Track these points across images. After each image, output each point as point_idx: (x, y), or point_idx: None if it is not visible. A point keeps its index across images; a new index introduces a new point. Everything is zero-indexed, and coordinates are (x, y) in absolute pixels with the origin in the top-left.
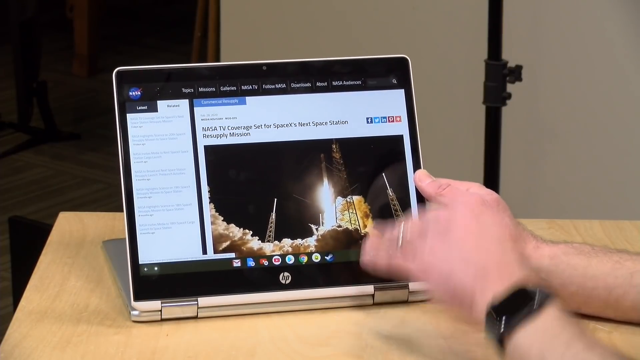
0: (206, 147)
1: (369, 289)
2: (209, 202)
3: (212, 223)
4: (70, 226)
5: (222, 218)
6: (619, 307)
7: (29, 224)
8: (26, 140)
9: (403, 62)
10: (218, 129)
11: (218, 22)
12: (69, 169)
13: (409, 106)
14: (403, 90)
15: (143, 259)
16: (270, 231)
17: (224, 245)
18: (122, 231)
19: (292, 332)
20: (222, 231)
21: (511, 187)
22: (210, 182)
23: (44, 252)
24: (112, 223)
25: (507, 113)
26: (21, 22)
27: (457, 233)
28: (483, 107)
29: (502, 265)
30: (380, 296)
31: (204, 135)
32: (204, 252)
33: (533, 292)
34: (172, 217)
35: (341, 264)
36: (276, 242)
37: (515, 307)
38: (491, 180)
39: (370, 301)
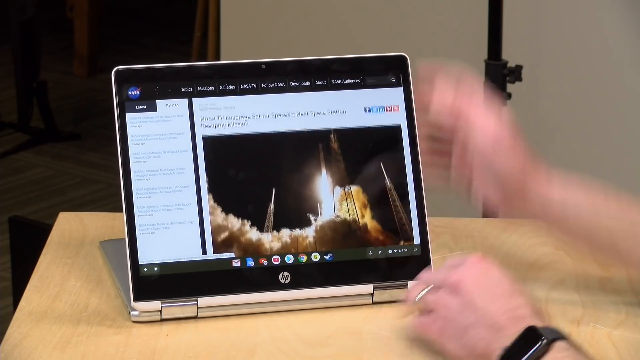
0: (204, 138)
1: (368, 288)
2: (208, 193)
3: (211, 214)
4: (70, 226)
5: (221, 208)
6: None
7: (29, 224)
8: (26, 140)
9: (402, 60)
10: (216, 118)
11: (218, 22)
12: (69, 169)
13: (407, 104)
14: (402, 88)
15: (143, 259)
16: (268, 221)
17: (223, 235)
18: (121, 231)
19: (292, 332)
20: (220, 222)
21: None
22: (208, 173)
23: (44, 252)
24: (112, 223)
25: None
26: (21, 22)
27: (467, 295)
28: None
29: (512, 312)
30: (379, 295)
31: (202, 126)
32: (204, 252)
33: (540, 332)
34: (172, 217)
35: (340, 263)
36: (275, 232)
37: (525, 347)
38: None
39: (369, 300)
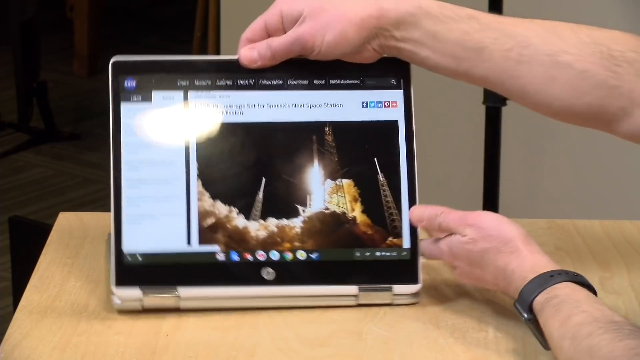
0: (198, 124)
1: (352, 289)
2: (197, 179)
3: (199, 199)
4: (70, 226)
5: (209, 194)
6: (470, 80)
7: (29, 224)
8: (26, 140)
9: (403, 62)
10: (211, 106)
11: (218, 22)
12: (69, 169)
13: (407, 104)
14: (402, 91)
15: (127, 248)
16: (256, 210)
17: (210, 222)
18: None
19: (292, 332)
20: (208, 207)
21: (511, 187)
22: (199, 159)
23: (44, 252)
24: None
25: (507, 113)
26: (21, 22)
27: (481, 258)
28: (483, 107)
29: (520, 264)
30: (364, 297)
31: (197, 113)
32: (189, 244)
33: (548, 274)
34: (159, 208)
35: (326, 263)
36: (261, 220)
37: (535, 287)
38: (491, 180)
39: (353, 302)
